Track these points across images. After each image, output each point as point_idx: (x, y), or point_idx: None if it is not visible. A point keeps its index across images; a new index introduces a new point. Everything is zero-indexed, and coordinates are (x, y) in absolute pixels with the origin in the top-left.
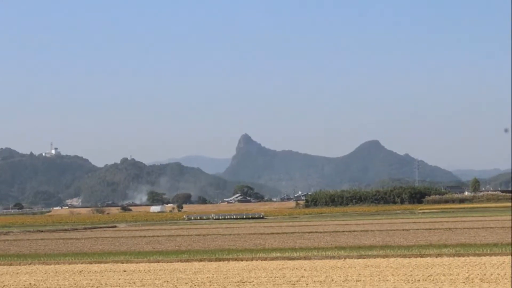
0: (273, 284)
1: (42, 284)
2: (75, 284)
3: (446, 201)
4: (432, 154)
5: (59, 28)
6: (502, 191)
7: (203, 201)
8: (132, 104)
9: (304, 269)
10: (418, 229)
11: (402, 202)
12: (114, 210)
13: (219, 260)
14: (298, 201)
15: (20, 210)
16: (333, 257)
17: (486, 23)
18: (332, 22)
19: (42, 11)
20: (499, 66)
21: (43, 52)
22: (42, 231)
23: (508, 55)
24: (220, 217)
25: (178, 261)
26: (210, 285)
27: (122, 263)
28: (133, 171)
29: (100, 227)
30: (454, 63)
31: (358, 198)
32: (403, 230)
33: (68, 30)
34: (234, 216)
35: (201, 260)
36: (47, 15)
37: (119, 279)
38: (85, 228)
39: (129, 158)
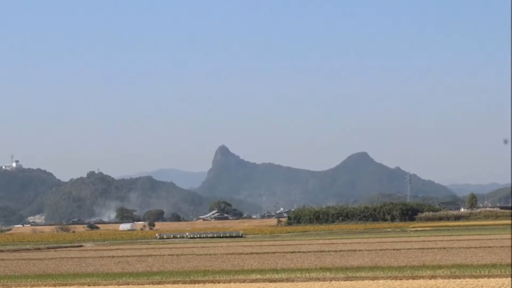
0: None
1: None
2: None
3: (441, 218)
4: (425, 167)
5: (20, 33)
6: (501, 208)
7: (176, 218)
8: (100, 114)
9: None
10: (410, 249)
11: (392, 219)
12: (80, 228)
13: (194, 282)
14: (280, 218)
15: None
16: (318, 279)
17: (486, 23)
18: (318, 28)
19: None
20: (497, 70)
21: (2, 58)
22: (2, 251)
23: (508, 58)
24: (195, 236)
25: (149, 284)
26: None
27: (89, 285)
28: (101, 185)
29: (65, 247)
30: (449, 67)
31: (345, 215)
32: (394, 249)
33: (27, 36)
34: (211, 235)
35: (174, 283)
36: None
37: None
38: (48, 248)
39: (96, 172)
